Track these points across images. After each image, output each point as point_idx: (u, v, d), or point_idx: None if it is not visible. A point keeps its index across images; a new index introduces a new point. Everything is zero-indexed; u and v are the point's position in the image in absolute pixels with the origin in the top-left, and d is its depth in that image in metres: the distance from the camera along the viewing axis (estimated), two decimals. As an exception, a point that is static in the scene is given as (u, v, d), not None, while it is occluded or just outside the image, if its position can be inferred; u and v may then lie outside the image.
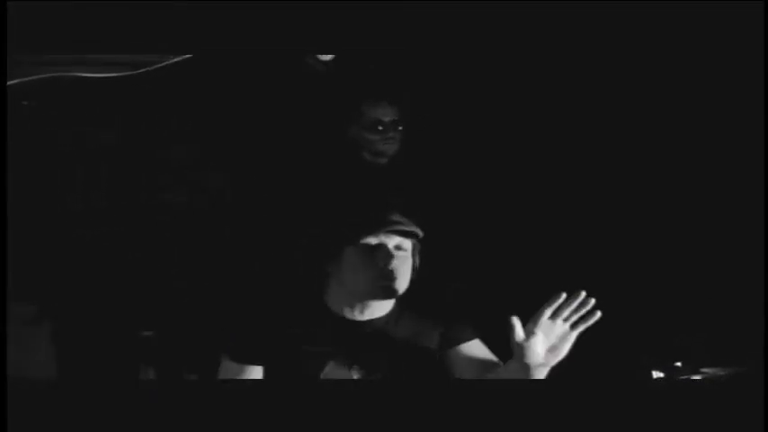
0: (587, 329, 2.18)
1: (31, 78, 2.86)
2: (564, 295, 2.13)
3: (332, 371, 2.28)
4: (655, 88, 3.00)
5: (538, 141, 3.23)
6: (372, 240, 2.26)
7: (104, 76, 2.95)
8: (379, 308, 2.33)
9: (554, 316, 2.12)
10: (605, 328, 2.83)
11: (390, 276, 2.25)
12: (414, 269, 2.34)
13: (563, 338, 2.14)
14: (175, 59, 2.98)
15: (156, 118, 3.25)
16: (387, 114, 3.15)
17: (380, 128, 3.14)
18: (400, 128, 3.16)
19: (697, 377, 2.57)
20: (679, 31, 2.41)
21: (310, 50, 3.17)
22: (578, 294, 2.13)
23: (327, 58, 3.26)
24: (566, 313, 2.13)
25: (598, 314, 2.14)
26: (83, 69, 2.94)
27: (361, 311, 2.32)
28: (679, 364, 2.62)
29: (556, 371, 2.20)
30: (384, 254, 2.25)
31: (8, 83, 2.79)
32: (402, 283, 2.29)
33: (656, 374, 2.63)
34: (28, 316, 3.12)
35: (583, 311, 2.14)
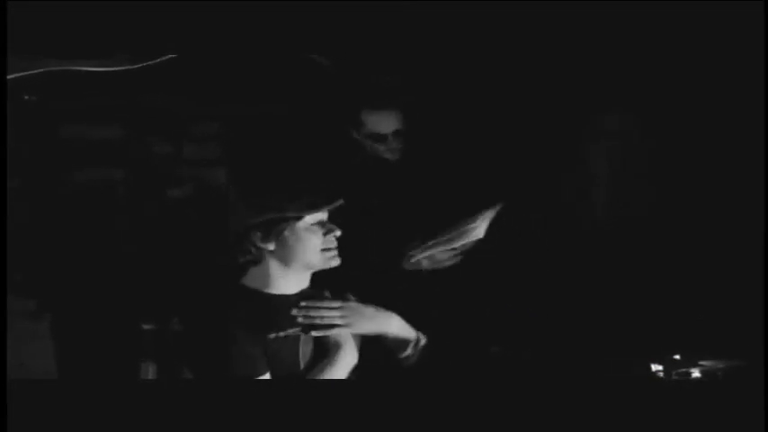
0: (586, 325, 2.19)
1: (31, 72, 2.86)
2: None
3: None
4: (655, 88, 3.00)
5: (537, 141, 3.23)
6: (315, 216, 2.39)
7: (107, 70, 2.96)
8: (300, 283, 2.45)
9: None
10: (604, 323, 2.84)
11: (335, 247, 2.40)
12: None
13: None
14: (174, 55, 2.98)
15: (158, 114, 3.25)
16: (389, 127, 3.11)
17: (383, 139, 3.10)
18: (401, 139, 3.13)
19: (695, 370, 2.56)
20: (679, 31, 2.42)
21: (316, 51, 3.18)
22: None
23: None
24: None
25: None
26: (85, 63, 2.94)
27: (287, 286, 2.42)
28: (677, 357, 2.61)
29: (556, 364, 2.22)
30: (328, 227, 2.39)
31: (9, 76, 2.79)
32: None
33: (655, 367, 2.62)
34: (28, 310, 3.13)
35: None
